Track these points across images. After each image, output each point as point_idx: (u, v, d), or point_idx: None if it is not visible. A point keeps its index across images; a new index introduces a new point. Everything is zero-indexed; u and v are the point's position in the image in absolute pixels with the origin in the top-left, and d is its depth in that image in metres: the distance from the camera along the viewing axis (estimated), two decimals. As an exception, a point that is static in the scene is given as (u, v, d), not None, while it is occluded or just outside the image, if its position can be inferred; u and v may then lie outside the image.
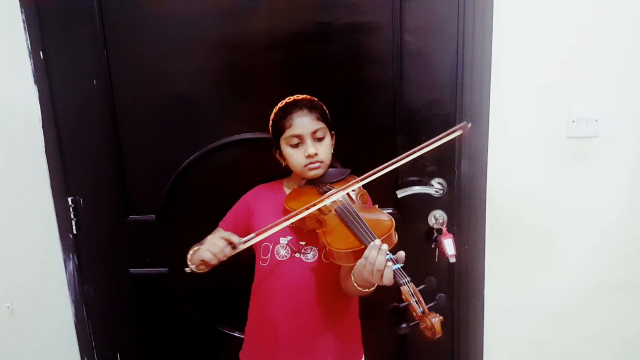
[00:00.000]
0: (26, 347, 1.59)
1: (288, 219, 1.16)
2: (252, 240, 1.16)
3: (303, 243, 1.23)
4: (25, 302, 1.57)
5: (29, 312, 1.57)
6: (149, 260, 1.57)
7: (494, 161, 1.44)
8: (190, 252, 1.21)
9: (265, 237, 1.21)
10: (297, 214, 1.16)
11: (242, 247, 1.15)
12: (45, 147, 1.47)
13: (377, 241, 1.02)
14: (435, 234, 1.45)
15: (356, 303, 1.33)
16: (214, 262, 1.12)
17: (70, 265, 1.55)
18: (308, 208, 1.16)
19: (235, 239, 1.14)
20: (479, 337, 1.57)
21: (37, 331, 1.59)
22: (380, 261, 0.99)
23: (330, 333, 1.25)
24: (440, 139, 1.18)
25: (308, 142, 1.20)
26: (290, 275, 1.22)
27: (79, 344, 1.62)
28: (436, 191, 1.45)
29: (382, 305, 1.46)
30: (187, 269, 1.18)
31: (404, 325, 0.99)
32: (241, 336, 1.39)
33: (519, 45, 1.37)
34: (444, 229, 1.44)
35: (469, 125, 1.20)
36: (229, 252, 1.13)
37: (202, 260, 1.13)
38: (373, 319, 1.39)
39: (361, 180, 1.19)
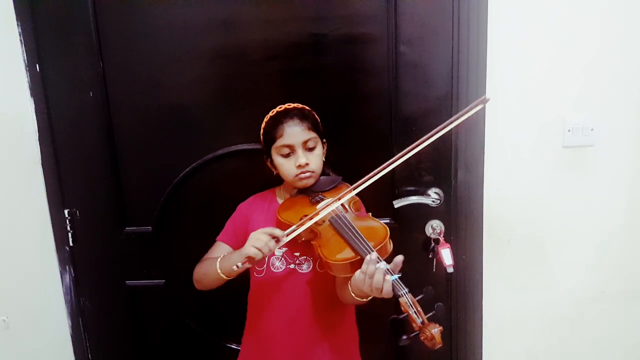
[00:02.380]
0: (22, 361, 1.58)
1: (302, 224, 1.15)
2: (295, 232, 1.14)
3: (297, 254, 1.23)
4: (21, 315, 1.56)
5: (24, 325, 1.56)
6: (145, 272, 1.56)
7: (490, 171, 1.44)
8: (218, 260, 1.19)
9: None
10: (296, 219, 1.15)
11: (284, 240, 1.13)
12: (41, 159, 1.46)
13: (374, 254, 1.02)
14: (433, 244, 1.45)
15: (352, 313, 1.33)
16: (259, 257, 1.10)
17: (67, 277, 1.54)
18: (310, 218, 1.15)
19: (278, 232, 1.12)
20: (477, 347, 1.56)
21: (33, 344, 1.57)
22: (378, 276, 0.99)
23: (326, 343, 1.25)
24: (463, 114, 1.12)
25: (299, 152, 1.20)
26: (285, 286, 1.22)
27: (75, 357, 1.61)
28: (433, 201, 1.44)
29: (379, 315, 1.47)
30: (234, 267, 1.13)
31: (404, 337, 1.00)
32: (238, 348, 1.38)
33: (513, 55, 1.37)
34: (442, 238, 1.44)
35: (489, 98, 1.16)
36: (273, 246, 1.11)
37: (248, 257, 1.11)
38: (370, 330, 1.38)
39: (354, 188, 1.18)
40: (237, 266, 1.13)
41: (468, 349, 1.56)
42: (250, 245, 1.11)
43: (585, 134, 1.41)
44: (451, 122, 1.12)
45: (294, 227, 1.15)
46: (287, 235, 1.13)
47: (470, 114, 1.13)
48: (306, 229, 1.16)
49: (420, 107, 1.42)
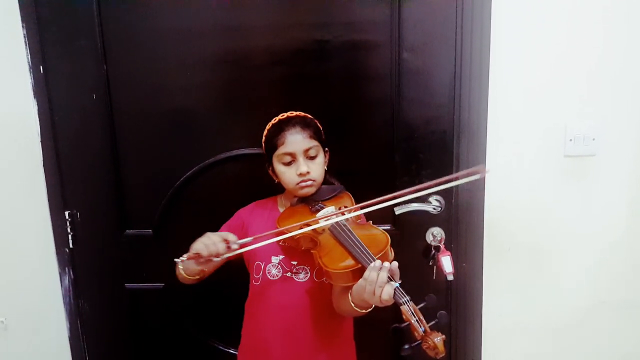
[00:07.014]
0: (20, 362, 1.57)
1: (285, 231, 1.15)
2: (248, 246, 1.14)
3: (295, 263, 1.22)
4: (20, 316, 1.56)
5: (23, 326, 1.56)
6: (145, 275, 1.56)
7: (491, 179, 1.44)
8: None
9: (257, 256, 1.21)
10: (294, 229, 1.14)
11: (235, 248, 1.13)
12: (43, 161, 1.47)
13: (377, 262, 1.00)
14: (433, 251, 1.45)
15: (350, 324, 1.32)
16: (204, 253, 1.09)
17: (66, 279, 1.54)
18: (303, 227, 1.14)
19: (231, 237, 1.13)
20: (477, 355, 1.56)
21: (31, 346, 1.57)
22: (381, 280, 0.97)
23: (322, 354, 1.23)
24: (456, 178, 1.16)
25: (300, 161, 1.19)
26: (281, 294, 1.21)
27: (73, 359, 1.60)
28: (434, 208, 1.44)
29: (377, 325, 1.46)
30: (178, 259, 1.15)
31: (406, 347, 0.97)
32: (236, 353, 1.37)
33: (516, 64, 1.38)
34: (442, 246, 1.43)
35: (487, 169, 1.22)
36: (222, 249, 1.10)
37: (196, 254, 1.10)
38: (367, 340, 1.37)
39: (356, 209, 1.18)
40: (182, 259, 1.13)
41: (467, 356, 1.55)
42: (200, 241, 1.11)
43: (587, 143, 1.41)
44: (443, 183, 1.15)
45: (249, 239, 1.15)
46: (241, 246, 1.14)
47: (465, 181, 1.16)
48: (306, 238, 1.15)
49: (422, 114, 1.42)
